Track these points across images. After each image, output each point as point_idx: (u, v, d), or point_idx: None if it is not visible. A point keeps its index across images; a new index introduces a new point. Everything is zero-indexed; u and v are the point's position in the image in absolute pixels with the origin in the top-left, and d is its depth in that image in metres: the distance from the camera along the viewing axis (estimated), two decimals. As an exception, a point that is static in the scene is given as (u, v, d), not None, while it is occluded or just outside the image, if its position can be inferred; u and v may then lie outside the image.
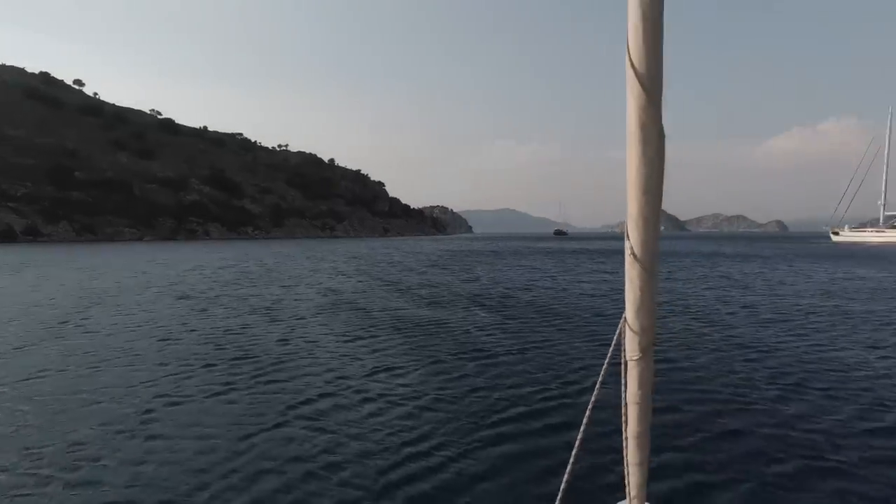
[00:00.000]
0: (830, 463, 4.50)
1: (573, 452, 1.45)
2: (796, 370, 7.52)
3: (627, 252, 1.11)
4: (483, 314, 12.65)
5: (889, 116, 77.11)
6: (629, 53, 0.94)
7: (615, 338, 1.35)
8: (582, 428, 1.47)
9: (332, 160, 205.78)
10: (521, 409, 5.79)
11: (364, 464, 4.47)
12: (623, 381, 1.31)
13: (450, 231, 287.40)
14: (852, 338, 9.87)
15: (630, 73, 0.94)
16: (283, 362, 8.04)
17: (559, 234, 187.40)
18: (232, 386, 6.79)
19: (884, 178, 76.71)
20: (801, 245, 69.24)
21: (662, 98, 0.97)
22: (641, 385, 1.29)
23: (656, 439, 4.48)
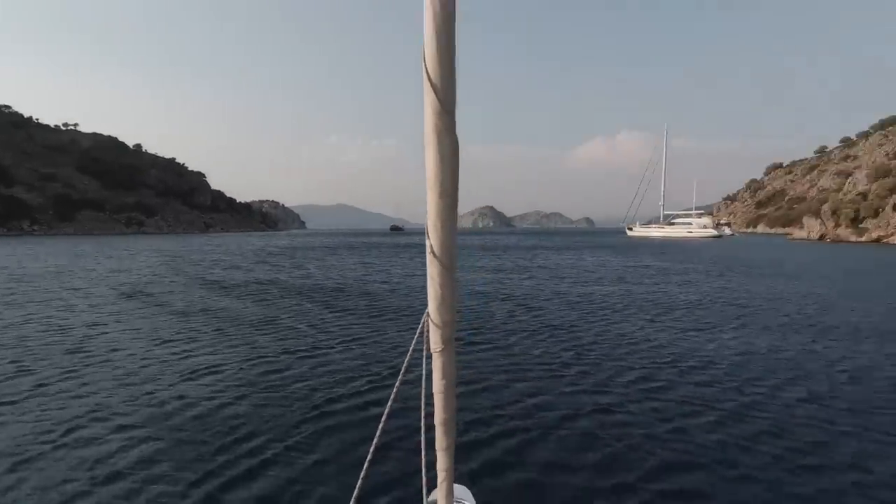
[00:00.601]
0: (602, 404, 5.69)
1: (374, 441, 1.52)
2: (590, 342, 9.08)
3: (428, 251, 1.16)
4: (315, 309, 12.60)
5: (665, 133, 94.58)
6: (425, 65, 0.99)
7: (418, 331, 1.42)
8: (383, 419, 1.53)
9: (138, 145, 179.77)
10: (342, 398, 6.03)
11: (178, 462, 4.32)
12: (426, 372, 1.39)
13: (281, 227, 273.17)
14: (634, 313, 12.17)
15: (426, 84, 1.00)
16: (74, 372, 7.10)
17: (395, 229, 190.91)
18: (6, 401, 5.85)
19: (662, 183, 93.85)
20: (605, 238, 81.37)
21: (456, 109, 1.03)
22: (445, 375, 1.35)
23: (470, 419, 5.13)
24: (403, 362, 1.62)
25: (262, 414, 5.46)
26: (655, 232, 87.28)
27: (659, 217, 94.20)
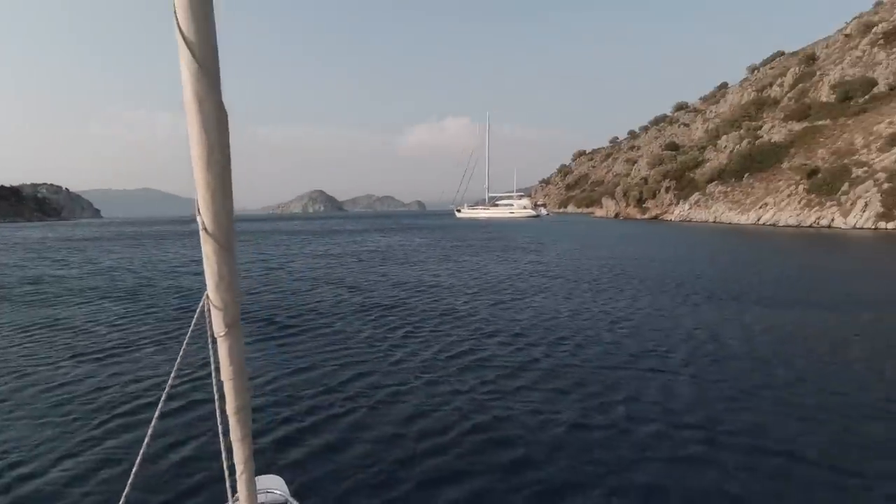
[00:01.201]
0: (426, 375, 6.32)
1: (146, 438, 1.44)
2: (417, 319, 9.72)
3: (201, 228, 1.10)
4: (110, 307, 11.27)
5: (487, 120, 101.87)
6: (177, 19, 0.90)
7: (196, 316, 1.32)
8: (156, 414, 1.44)
9: None
10: (131, 398, 5.71)
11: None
12: (213, 359, 1.31)
13: (67, 215, 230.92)
14: (457, 288, 13.22)
15: (179, 40, 0.91)
16: None
17: None
18: None
19: (486, 167, 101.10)
20: (435, 220, 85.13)
21: (219, 70, 0.96)
22: (233, 361, 1.29)
23: (292, 404, 5.25)
24: (180, 351, 1.45)
25: (16, 426, 4.93)
26: (481, 213, 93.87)
27: (485, 199, 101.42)
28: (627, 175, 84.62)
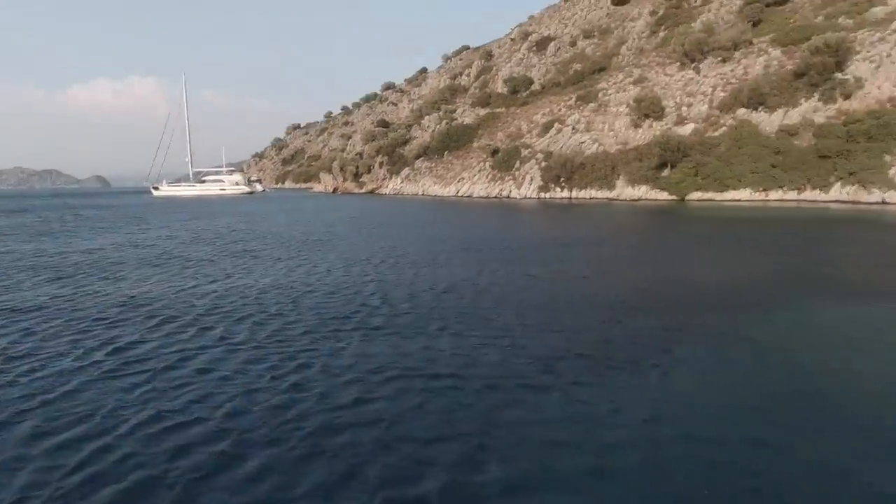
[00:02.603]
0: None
1: None
2: (72, 319, 8.44)
3: None
4: None
5: (183, 82, 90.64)
6: None
7: None
8: None
9: None
10: None
11: None
12: None
13: None
14: (135, 278, 11.77)
15: None
16: None
17: None
18: None
19: (187, 137, 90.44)
20: (125, 199, 72.50)
21: None
22: None
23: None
24: None
25: None
26: (186, 191, 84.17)
27: (188, 175, 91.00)
28: (343, 150, 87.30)
